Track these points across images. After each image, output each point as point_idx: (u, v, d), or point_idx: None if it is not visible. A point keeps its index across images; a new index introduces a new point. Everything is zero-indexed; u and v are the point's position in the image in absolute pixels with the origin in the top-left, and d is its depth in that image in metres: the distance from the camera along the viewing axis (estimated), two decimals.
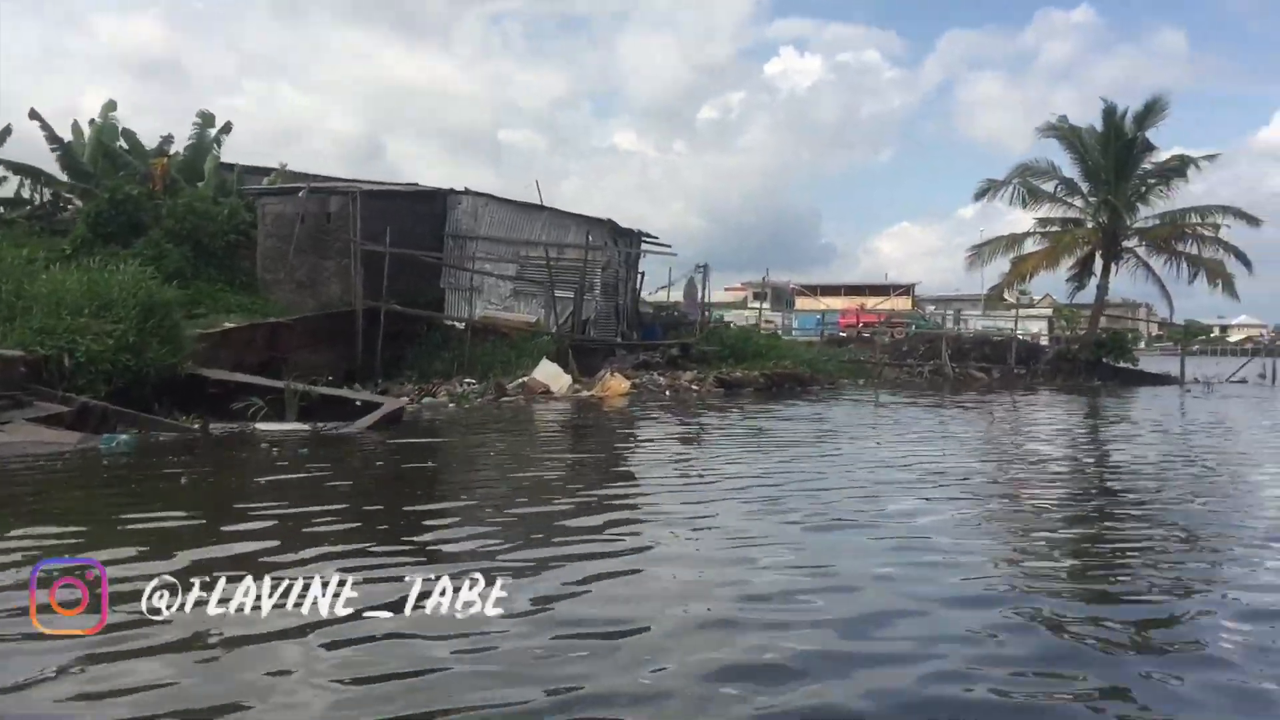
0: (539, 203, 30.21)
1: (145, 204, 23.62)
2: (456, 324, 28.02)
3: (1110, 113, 37.74)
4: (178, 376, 15.80)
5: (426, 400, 20.77)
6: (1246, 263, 37.32)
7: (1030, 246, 38.95)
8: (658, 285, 61.13)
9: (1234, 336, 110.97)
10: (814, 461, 12.91)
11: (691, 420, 19.99)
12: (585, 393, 25.12)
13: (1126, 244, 38.59)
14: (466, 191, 29.72)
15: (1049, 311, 78.83)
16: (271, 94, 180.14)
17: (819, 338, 46.20)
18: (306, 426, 14.72)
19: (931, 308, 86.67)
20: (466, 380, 24.60)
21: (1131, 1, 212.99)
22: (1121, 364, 38.44)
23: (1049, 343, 44.24)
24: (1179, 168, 37.79)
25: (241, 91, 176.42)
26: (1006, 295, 40.28)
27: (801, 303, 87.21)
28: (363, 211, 25.63)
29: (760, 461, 12.96)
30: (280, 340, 21.07)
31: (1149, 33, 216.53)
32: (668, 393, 26.57)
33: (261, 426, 14.52)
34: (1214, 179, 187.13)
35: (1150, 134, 37.65)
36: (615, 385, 25.67)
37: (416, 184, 30.03)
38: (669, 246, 36.86)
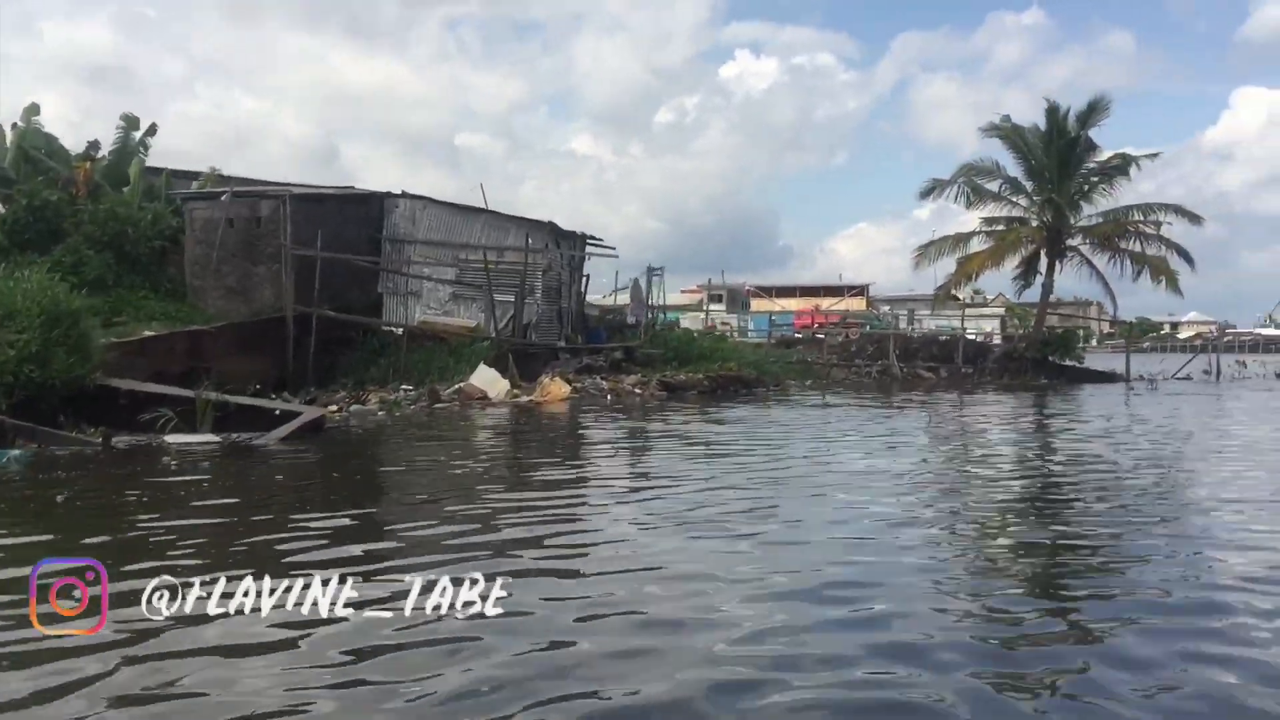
0: (478, 205, 29.75)
1: (65, 209, 22.90)
2: (395, 329, 27.56)
3: (1053, 112, 37.86)
4: (87, 388, 15.21)
5: (355, 408, 20.27)
6: (1189, 260, 37.60)
7: (976, 246, 38.98)
8: (610, 288, 60.95)
9: (1184, 334, 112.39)
10: (735, 472, 12.62)
11: (626, 424, 19.68)
12: (524, 398, 24.73)
13: (1071, 242, 38.71)
14: (404, 194, 29.20)
15: (1001, 310, 79.42)
16: (224, 98, 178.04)
17: (768, 339, 45.94)
18: (217, 438, 14.23)
19: (886, 308, 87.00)
20: (403, 387, 24.12)
21: (1080, 3, 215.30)
22: (1067, 362, 38.56)
23: (1001, 341, 44.28)
24: (1121, 166, 37.97)
25: (194, 96, 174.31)
26: (955, 294, 40.24)
27: (757, 304, 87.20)
28: (294, 215, 25.05)
29: (684, 471, 12.63)
30: (204, 349, 20.50)
31: (1097, 33, 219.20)
32: (609, 397, 26.23)
33: (170, 439, 14.02)
34: (1162, 178, 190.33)
35: (1093, 133, 37.84)
36: (555, 390, 25.31)
37: (351, 187, 29.50)
38: (613, 249, 36.66)
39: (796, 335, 50.27)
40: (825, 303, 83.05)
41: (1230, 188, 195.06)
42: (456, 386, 23.95)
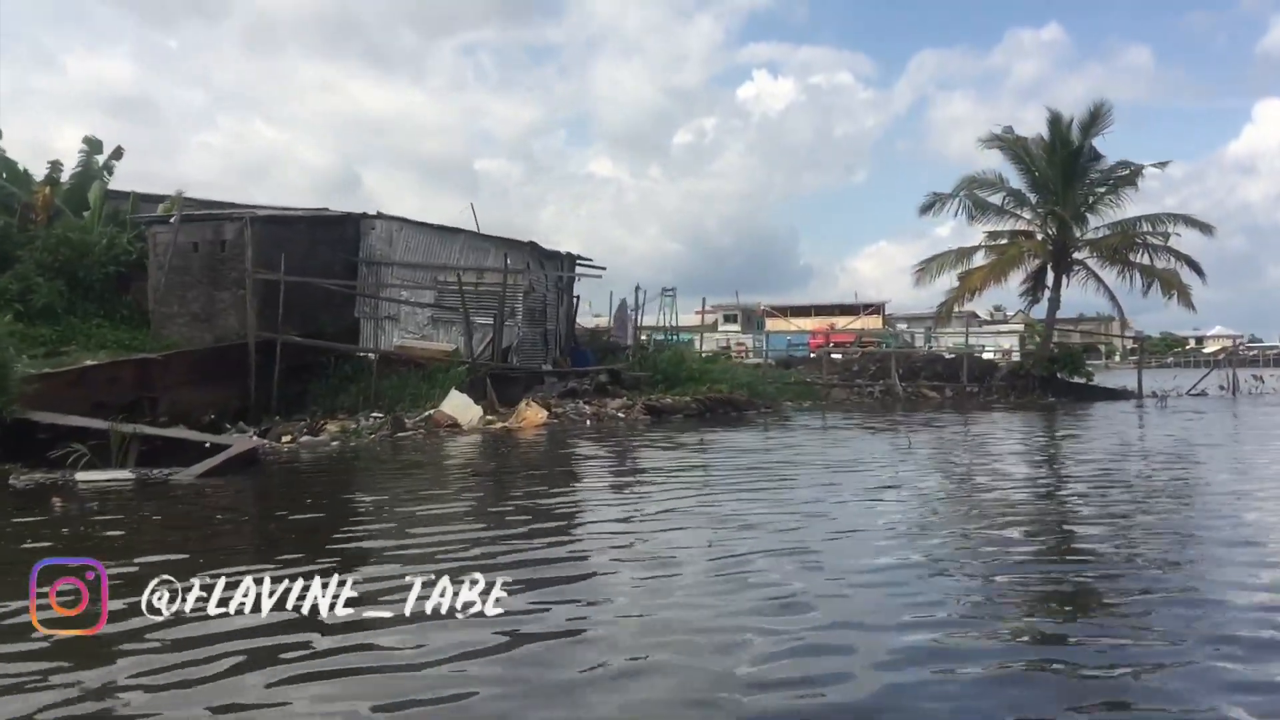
0: (458, 226, 28.88)
1: (15, 235, 22.13)
2: (370, 355, 26.66)
3: (1056, 121, 36.74)
4: (2, 421, 14.34)
5: (306, 439, 19.28)
6: (1200, 272, 36.34)
7: (979, 260, 37.83)
8: (614, 310, 60.05)
9: (1209, 348, 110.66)
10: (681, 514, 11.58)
11: (598, 455, 18.67)
12: (499, 424, 23.77)
13: (1077, 255, 37.49)
14: (380, 216, 28.35)
15: (1020, 327, 78.13)
16: (245, 129, 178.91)
17: (764, 360, 44.68)
18: (130, 474, 13.27)
19: (903, 326, 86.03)
20: (373, 414, 23.15)
21: (1098, 20, 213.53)
22: (1075, 379, 37.26)
23: (1021, 358, 42.95)
24: (1128, 176, 36.80)
25: (214, 127, 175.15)
26: (959, 310, 39.09)
27: (771, 324, 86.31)
28: (260, 238, 24.16)
29: (635, 512, 11.58)
30: (152, 378, 19.56)
31: (1116, 50, 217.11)
32: (589, 422, 25.23)
33: (80, 475, 13.06)
34: (1185, 193, 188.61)
35: (1099, 143, 36.72)
36: (531, 416, 24.32)
37: (326, 209, 28.66)
38: (602, 268, 35.68)
39: (798, 355, 49.15)
40: (841, 321, 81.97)
41: (1254, 200, 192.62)
42: (425, 414, 22.99)
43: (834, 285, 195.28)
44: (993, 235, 38.42)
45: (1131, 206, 37.14)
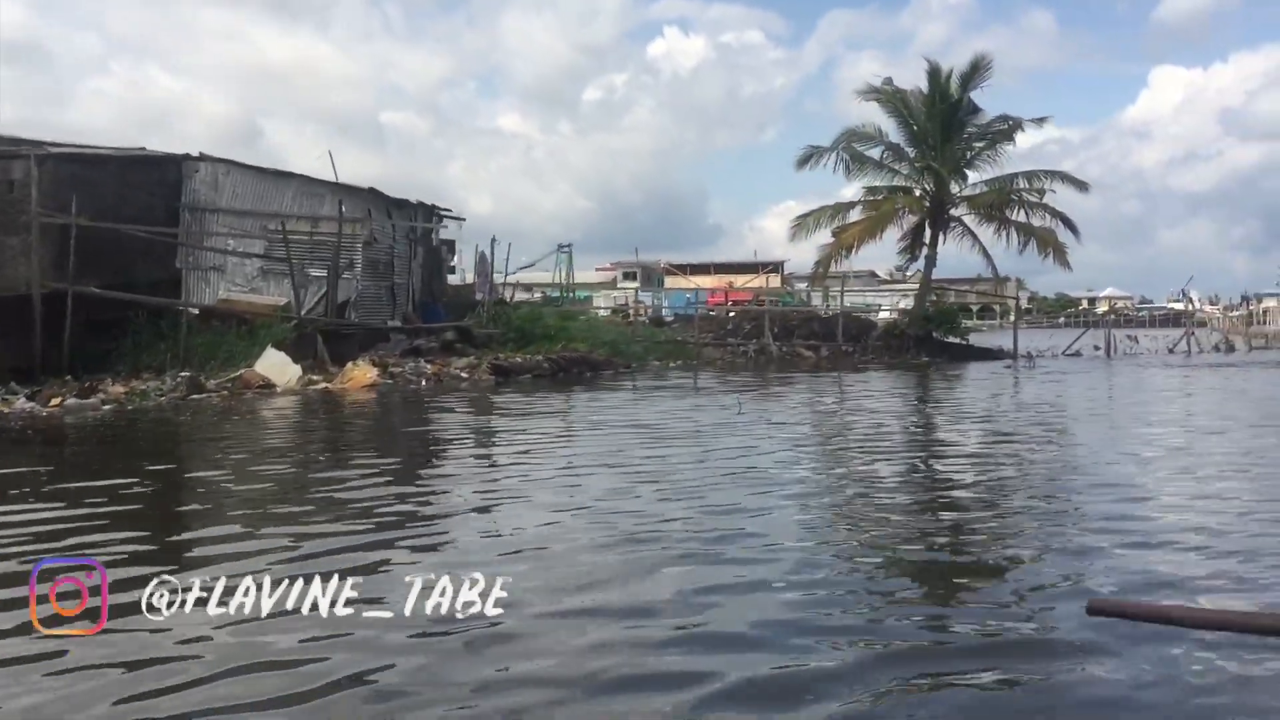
0: (289, 170, 26.79)
1: None
2: (193, 310, 24.57)
3: (935, 74, 35.73)
4: None
5: (72, 402, 17.23)
6: (1075, 231, 35.76)
7: (856, 216, 36.78)
8: (518, 266, 58.48)
9: (1101, 308, 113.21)
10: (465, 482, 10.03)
11: (410, 419, 17.04)
12: (322, 385, 21.98)
13: (955, 212, 36.66)
14: (203, 157, 26.03)
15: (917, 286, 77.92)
16: (141, 76, 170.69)
17: (635, 317, 43.14)
18: None
19: (803, 285, 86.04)
20: (181, 374, 21.14)
21: None
22: (951, 339, 36.52)
23: (896, 318, 42.15)
24: (1007, 131, 35.95)
25: (108, 73, 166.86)
26: (834, 267, 38.03)
27: (671, 281, 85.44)
28: (58, 178, 21.81)
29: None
30: None
31: (1020, 13, 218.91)
32: (424, 382, 23.58)
33: None
34: (1083, 156, 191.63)
35: (979, 98, 35.79)
36: (358, 376, 22.55)
37: (144, 149, 26.27)
38: (462, 218, 33.79)
39: (710, 312, 47.41)
40: (740, 280, 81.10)
41: (1147, 165, 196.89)
42: (236, 374, 21.09)
43: (742, 244, 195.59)
44: (871, 191, 37.39)
45: (1010, 164, 36.41)
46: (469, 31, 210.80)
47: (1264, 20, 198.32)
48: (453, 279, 67.02)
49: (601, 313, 51.08)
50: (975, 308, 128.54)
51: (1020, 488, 9.72)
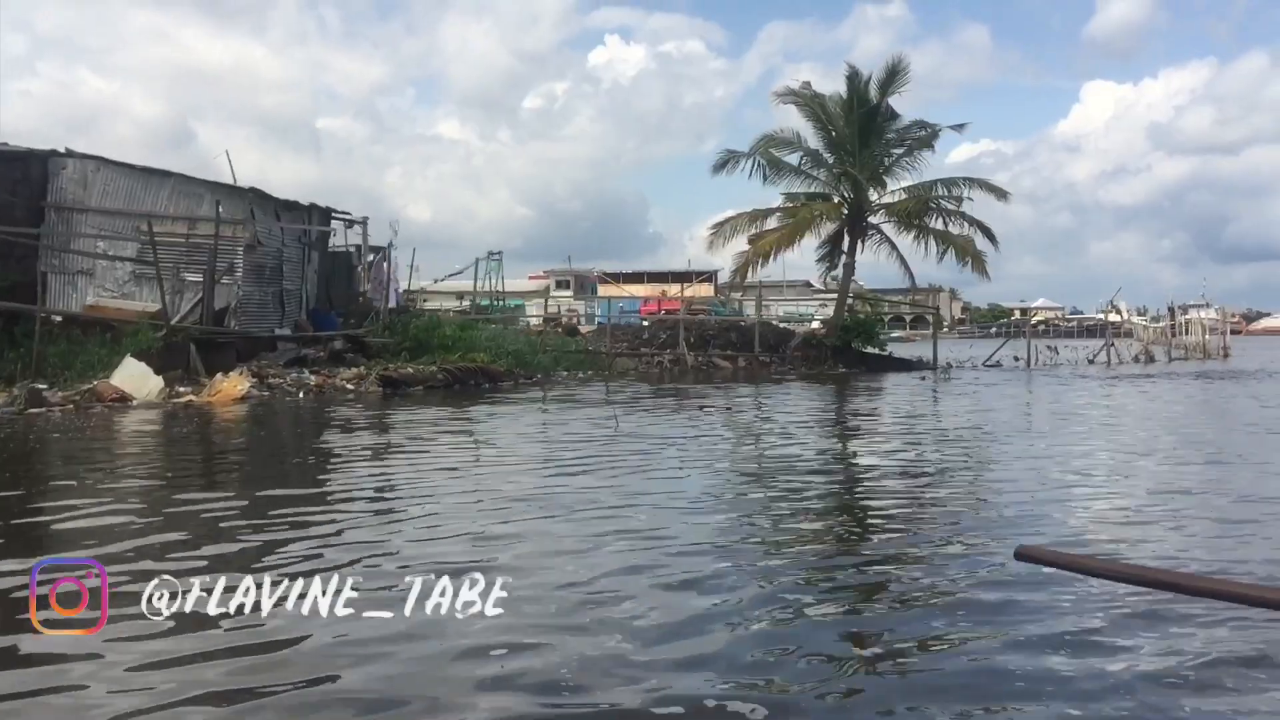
0: (165, 168, 25.19)
1: None
2: (55, 316, 22.94)
3: (854, 78, 35.00)
4: None
5: None
6: (992, 239, 35.16)
7: (774, 224, 35.88)
8: (447, 273, 56.97)
9: (1035, 319, 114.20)
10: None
11: (263, 439, 15.63)
12: (187, 398, 20.47)
13: (873, 220, 35.91)
14: (70, 154, 24.39)
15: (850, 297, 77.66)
16: (68, 77, 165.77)
17: (542, 328, 41.74)
18: None
19: (738, 295, 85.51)
20: (34, 385, 19.55)
21: None
22: (869, 349, 35.72)
23: (815, 328, 41.32)
24: (925, 138, 35.33)
25: (35, 74, 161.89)
26: (751, 275, 37.10)
27: (604, 290, 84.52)
28: None
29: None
30: None
31: (955, 27, 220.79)
32: (304, 394, 22.18)
33: None
34: (1016, 169, 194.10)
35: (896, 101, 35.09)
36: (228, 388, 21.04)
37: (5, 144, 24.55)
38: (360, 220, 32.22)
39: (643, 322, 46.21)
40: (672, 289, 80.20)
41: (1078, 178, 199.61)
42: (89, 386, 19.52)
43: (681, 252, 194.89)
44: (790, 197, 36.54)
45: (930, 172, 35.81)
46: (407, 37, 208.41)
47: (1190, 38, 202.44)
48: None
49: (533, 321, 49.94)
50: (908, 318, 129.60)
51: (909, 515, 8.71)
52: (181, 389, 21.00)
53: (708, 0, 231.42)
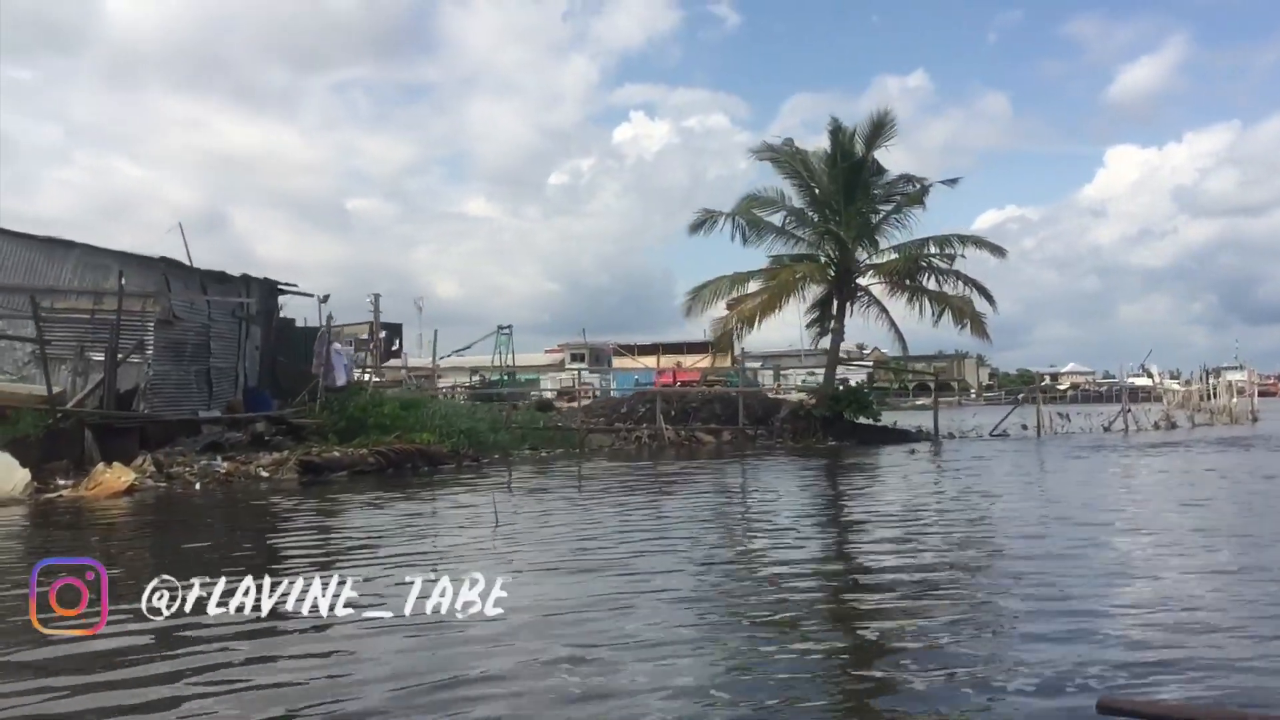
0: (68, 239, 23.31)
1: None
2: None
3: (837, 132, 32.82)
4: None
5: None
6: (989, 299, 32.65)
7: (756, 287, 33.55)
8: (453, 349, 55.11)
9: (1063, 385, 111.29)
10: None
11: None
12: (64, 492, 18.26)
13: (862, 281, 33.51)
14: None
15: (870, 364, 75.58)
16: (104, 165, 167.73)
17: (501, 402, 39.18)
18: None
19: (758, 364, 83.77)
20: None
21: (960, 67, 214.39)
22: (862, 419, 33.07)
23: (805, 398, 38.65)
24: (915, 195, 32.98)
25: (72, 163, 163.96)
26: (736, 341, 34.77)
27: (619, 362, 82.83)
28: None
29: None
30: None
31: (975, 96, 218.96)
32: (201, 485, 19.94)
33: None
34: (1041, 234, 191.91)
35: (881, 156, 32.86)
36: (109, 481, 18.75)
37: None
38: (310, 294, 30.16)
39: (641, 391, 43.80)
40: (689, 360, 78.11)
41: (1104, 242, 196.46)
42: None
43: (710, 325, 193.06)
44: (776, 260, 34.27)
45: (922, 230, 33.39)
46: (435, 118, 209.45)
47: (1212, 101, 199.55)
48: (396, 361, 63.69)
49: (547, 394, 48.40)
50: (932, 385, 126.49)
51: None
52: (62, 481, 18.81)
53: (730, 75, 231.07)
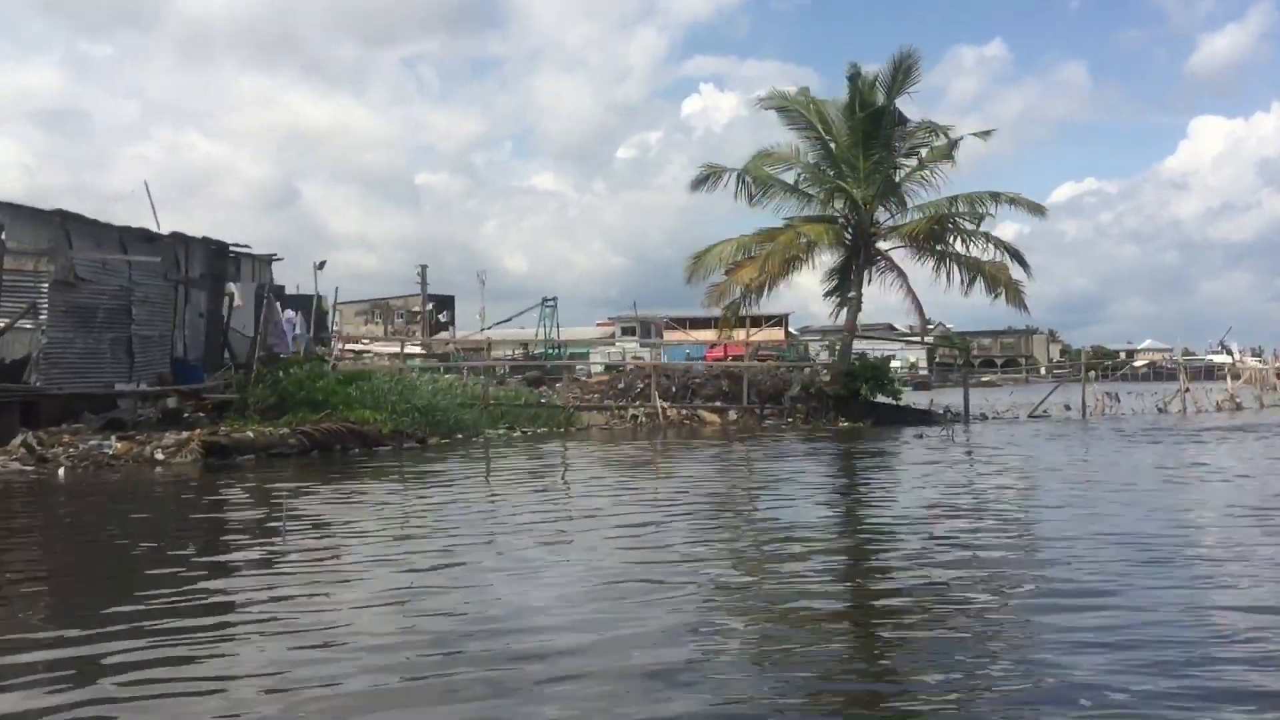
0: None
1: None
2: None
3: (855, 79, 29.17)
4: None
5: None
6: (1024, 264, 28.94)
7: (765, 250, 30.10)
8: (495, 320, 52.66)
9: (1140, 361, 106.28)
10: None
11: None
12: None
13: (882, 245, 29.93)
14: None
15: (931, 340, 71.37)
16: (179, 141, 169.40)
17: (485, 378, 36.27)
18: None
19: (818, 339, 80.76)
20: None
21: (1037, 37, 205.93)
22: (880, 398, 29.55)
23: (818, 374, 35.14)
24: (943, 149, 29.22)
25: (149, 139, 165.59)
26: (742, 310, 31.57)
27: (670, 336, 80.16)
28: None
29: None
30: None
31: (1053, 67, 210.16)
32: (81, 469, 17.40)
33: None
34: (1121, 208, 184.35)
35: (903, 104, 29.17)
36: None
37: None
38: (272, 256, 27.59)
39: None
40: (740, 334, 75.05)
41: (1184, 216, 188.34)
42: None
43: (779, 298, 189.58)
44: (789, 222, 30.82)
45: (951, 188, 29.63)
46: (501, 94, 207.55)
47: None
48: (444, 335, 61.17)
49: (596, 369, 45.31)
50: (999, 361, 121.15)
51: None
52: None
53: (802, 46, 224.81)
